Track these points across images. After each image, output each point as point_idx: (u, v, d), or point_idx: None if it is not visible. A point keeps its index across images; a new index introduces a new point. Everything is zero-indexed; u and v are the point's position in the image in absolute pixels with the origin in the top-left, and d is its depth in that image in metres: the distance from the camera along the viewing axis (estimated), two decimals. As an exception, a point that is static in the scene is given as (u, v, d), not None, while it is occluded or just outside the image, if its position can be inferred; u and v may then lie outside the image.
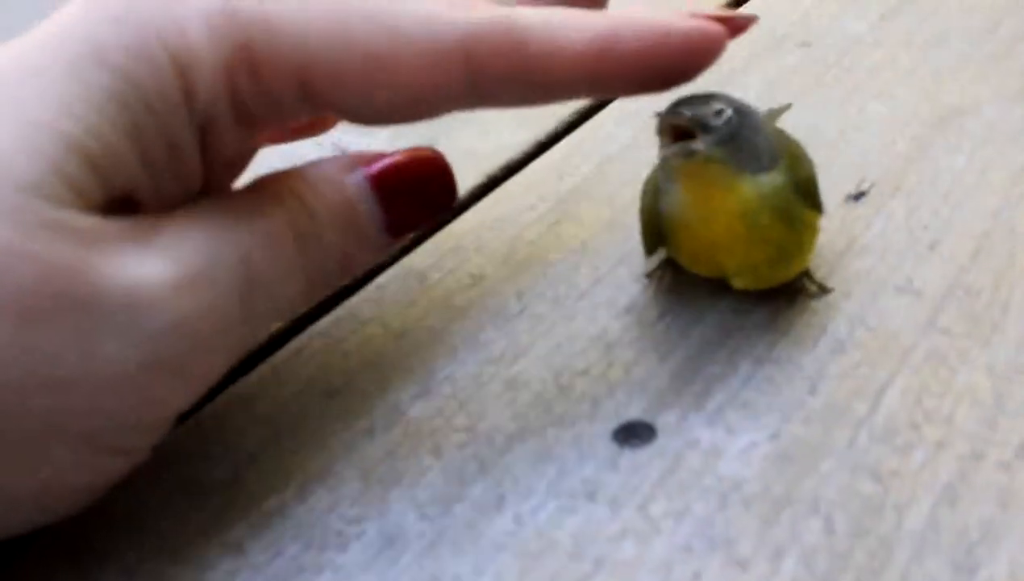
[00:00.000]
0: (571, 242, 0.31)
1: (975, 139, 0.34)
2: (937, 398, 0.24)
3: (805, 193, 0.26)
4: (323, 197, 0.24)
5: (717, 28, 0.23)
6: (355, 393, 0.26)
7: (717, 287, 0.27)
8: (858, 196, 0.31)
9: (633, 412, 0.25)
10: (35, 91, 0.20)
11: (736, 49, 0.41)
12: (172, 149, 0.22)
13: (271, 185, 0.24)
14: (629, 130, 0.36)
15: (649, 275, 0.29)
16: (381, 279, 0.30)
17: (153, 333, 0.20)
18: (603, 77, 0.23)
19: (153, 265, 0.20)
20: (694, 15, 0.24)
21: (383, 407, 0.26)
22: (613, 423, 0.24)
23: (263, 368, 0.27)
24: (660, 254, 0.28)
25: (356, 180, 0.24)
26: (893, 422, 0.24)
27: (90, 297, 0.19)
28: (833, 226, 0.30)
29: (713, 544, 0.21)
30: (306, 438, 0.25)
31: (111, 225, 0.20)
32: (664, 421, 0.24)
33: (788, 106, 0.34)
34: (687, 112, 0.24)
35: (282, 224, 0.23)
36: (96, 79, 0.20)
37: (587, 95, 0.24)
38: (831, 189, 0.32)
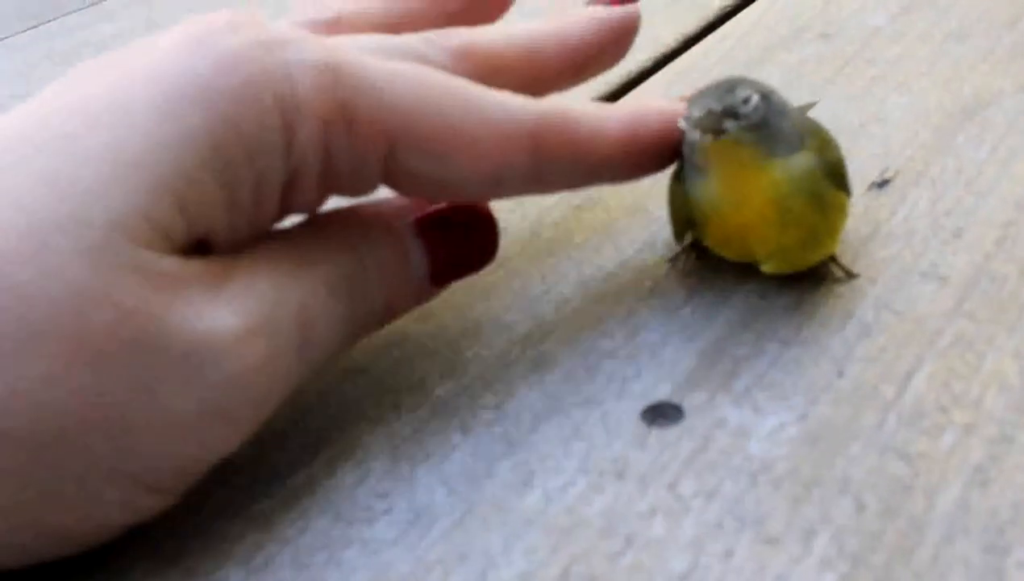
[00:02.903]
0: (595, 226, 0.31)
1: (997, 131, 0.34)
2: (965, 382, 0.24)
3: (834, 176, 0.26)
4: (374, 247, 0.24)
5: None
6: (381, 372, 0.26)
7: (742, 271, 0.27)
8: (882, 184, 0.31)
9: (660, 393, 0.25)
10: (128, 128, 0.20)
11: (755, 41, 0.41)
12: (257, 195, 0.22)
13: (326, 231, 0.24)
14: (650, 118, 0.36)
15: (673, 259, 0.29)
16: (405, 260, 0.30)
17: (215, 383, 0.20)
18: (634, 154, 0.25)
19: (222, 315, 0.20)
20: (681, 99, 0.27)
21: (409, 386, 0.26)
22: (641, 403, 0.24)
23: (287, 346, 0.27)
24: (686, 239, 0.28)
25: (405, 228, 0.25)
26: (921, 405, 0.24)
27: (160, 345, 0.19)
28: (857, 213, 0.30)
29: (743, 523, 0.21)
30: (333, 416, 0.25)
31: (188, 268, 0.20)
32: (692, 401, 0.24)
33: (812, 104, 0.34)
34: (716, 105, 0.24)
35: (336, 276, 0.23)
36: (193, 119, 0.20)
37: (621, 177, 0.26)
38: (854, 177, 0.31)
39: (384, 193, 0.25)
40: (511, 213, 0.32)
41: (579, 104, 0.25)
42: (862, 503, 0.22)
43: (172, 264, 0.20)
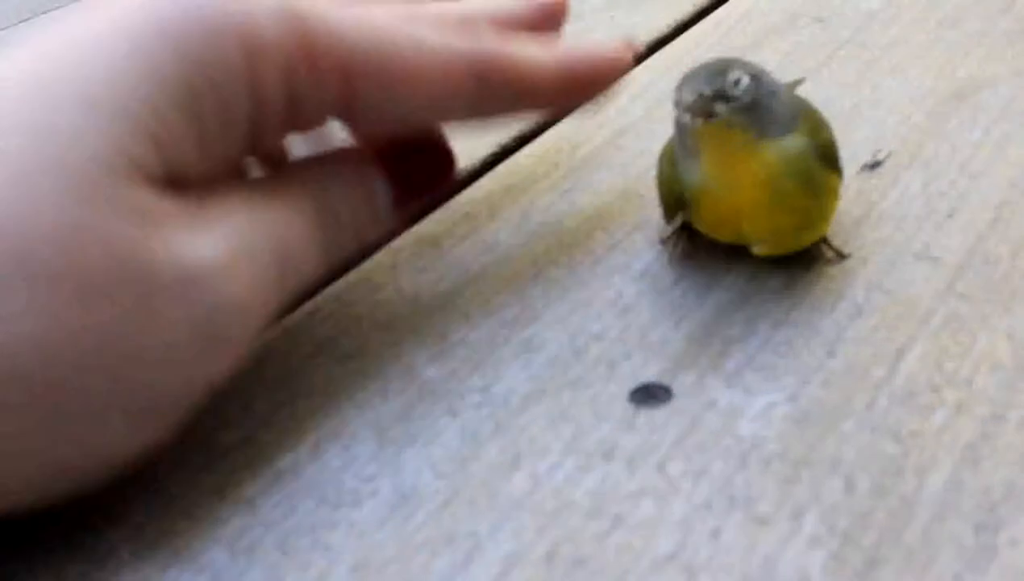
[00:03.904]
0: (585, 210, 0.31)
1: (991, 115, 0.34)
2: (956, 362, 0.24)
3: (825, 157, 0.26)
4: (341, 183, 0.25)
5: (627, 50, 0.29)
6: (369, 356, 0.26)
7: (733, 253, 0.27)
8: (874, 165, 0.31)
9: (649, 374, 0.24)
10: (100, 68, 0.20)
11: (750, 25, 0.41)
12: (226, 131, 0.22)
13: (295, 173, 0.25)
14: (642, 103, 0.36)
15: (664, 241, 0.29)
16: (394, 245, 0.30)
17: (205, 309, 0.21)
18: (569, 88, 0.27)
19: (205, 244, 0.21)
20: (603, 43, 0.29)
21: (397, 369, 0.25)
22: (629, 384, 0.24)
23: (275, 331, 0.27)
24: (677, 221, 0.28)
25: (367, 161, 0.26)
26: (913, 385, 0.23)
27: (149, 276, 0.20)
28: (849, 195, 0.30)
29: (733, 503, 0.21)
30: (319, 400, 0.25)
31: (168, 202, 0.21)
32: (681, 383, 0.24)
33: (801, 80, 0.34)
34: (706, 88, 0.24)
35: (307, 208, 0.24)
36: (161, 57, 0.21)
37: (557, 108, 0.29)
38: (846, 160, 0.31)
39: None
40: (501, 199, 0.31)
41: (521, 40, 0.27)
42: (852, 482, 0.21)
43: (152, 199, 0.21)
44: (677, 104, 0.25)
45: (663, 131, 0.31)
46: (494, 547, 0.21)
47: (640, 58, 0.40)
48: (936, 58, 0.37)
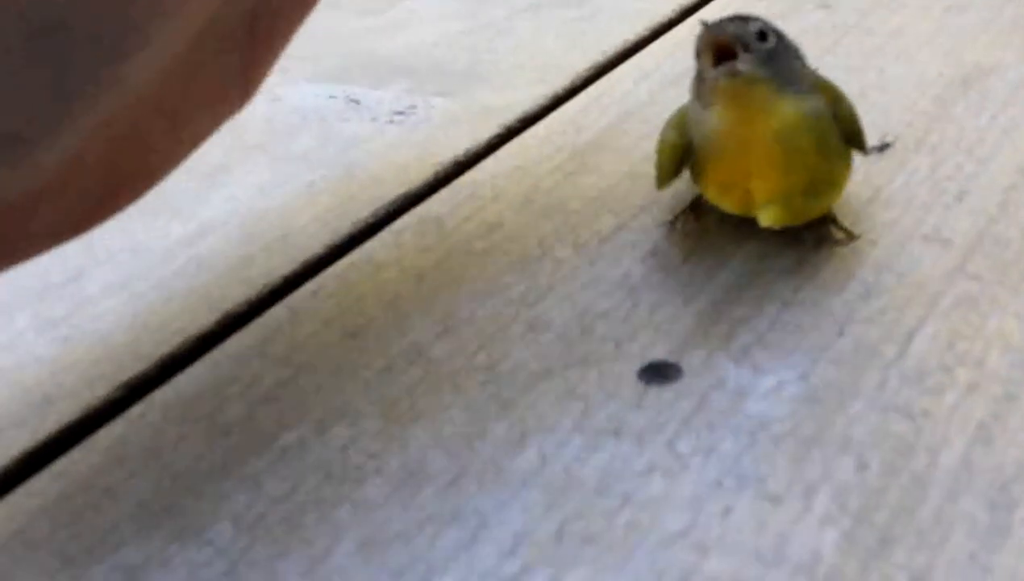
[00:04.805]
0: (590, 191, 0.30)
1: (998, 100, 0.34)
2: (968, 342, 0.24)
3: (846, 130, 0.26)
4: None
5: None
6: (373, 333, 0.26)
7: (742, 233, 0.27)
8: (882, 148, 0.31)
9: (658, 352, 0.24)
10: None
11: (755, 11, 0.41)
12: None
13: None
14: (647, 87, 0.36)
15: (672, 221, 0.28)
16: (396, 225, 0.30)
17: None
18: None
19: None
20: None
21: (402, 346, 0.25)
22: (638, 363, 0.24)
23: (278, 309, 0.27)
24: (685, 200, 0.28)
25: None
26: (924, 364, 0.23)
27: None
28: (857, 177, 0.29)
29: (743, 481, 0.21)
30: (324, 377, 0.24)
31: None
32: (690, 361, 0.24)
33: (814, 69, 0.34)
34: (730, 28, 0.24)
35: None
36: None
37: None
38: (854, 143, 0.31)
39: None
40: (505, 179, 0.31)
41: None
42: (864, 461, 0.21)
43: None
44: (699, 51, 0.25)
45: (668, 114, 0.30)
46: (501, 525, 0.20)
47: (644, 42, 0.40)
48: (943, 44, 0.37)
